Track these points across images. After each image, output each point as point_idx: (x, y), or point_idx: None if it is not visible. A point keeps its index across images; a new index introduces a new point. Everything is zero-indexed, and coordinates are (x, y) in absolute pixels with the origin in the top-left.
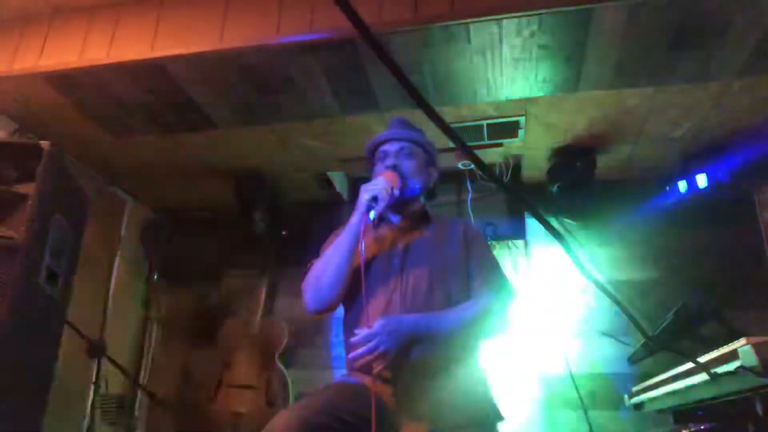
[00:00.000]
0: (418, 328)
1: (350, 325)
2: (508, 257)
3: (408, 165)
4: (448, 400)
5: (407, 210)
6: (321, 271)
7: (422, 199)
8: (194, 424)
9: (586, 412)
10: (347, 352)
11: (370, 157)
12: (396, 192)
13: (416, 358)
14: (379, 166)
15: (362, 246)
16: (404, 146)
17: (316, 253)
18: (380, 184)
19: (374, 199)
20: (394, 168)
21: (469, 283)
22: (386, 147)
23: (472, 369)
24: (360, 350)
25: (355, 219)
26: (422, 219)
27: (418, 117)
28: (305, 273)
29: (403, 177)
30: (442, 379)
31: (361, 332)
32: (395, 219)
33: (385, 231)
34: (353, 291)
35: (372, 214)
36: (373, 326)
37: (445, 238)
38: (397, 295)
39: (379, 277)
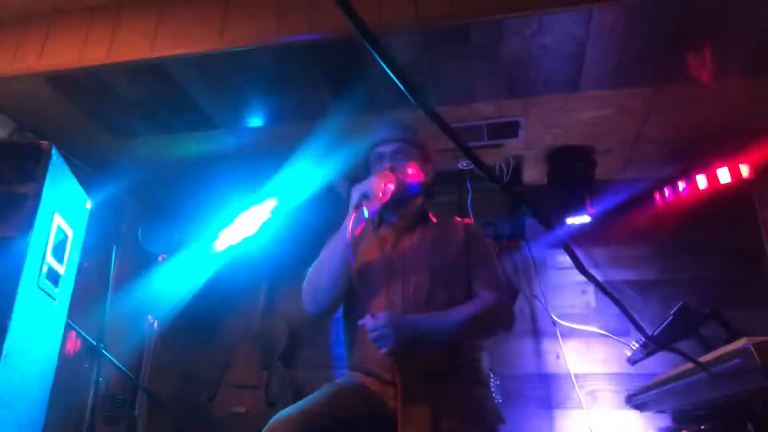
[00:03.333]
0: (420, 328)
1: (351, 326)
2: (508, 257)
3: (404, 166)
4: (449, 402)
5: (406, 210)
6: (317, 275)
7: (421, 198)
8: (194, 424)
9: (586, 412)
10: (348, 353)
11: (365, 159)
12: (389, 188)
13: (418, 358)
14: (376, 166)
15: (350, 242)
16: (399, 147)
17: (315, 254)
18: (371, 182)
19: (365, 196)
20: (392, 170)
21: (470, 281)
22: (381, 149)
23: (473, 370)
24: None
25: (347, 220)
26: (421, 219)
27: (418, 117)
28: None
29: (400, 178)
30: (442, 381)
31: (366, 321)
32: (394, 219)
33: (385, 232)
34: (353, 292)
35: (365, 213)
36: (378, 318)
37: (445, 238)
38: (397, 296)
39: (380, 277)
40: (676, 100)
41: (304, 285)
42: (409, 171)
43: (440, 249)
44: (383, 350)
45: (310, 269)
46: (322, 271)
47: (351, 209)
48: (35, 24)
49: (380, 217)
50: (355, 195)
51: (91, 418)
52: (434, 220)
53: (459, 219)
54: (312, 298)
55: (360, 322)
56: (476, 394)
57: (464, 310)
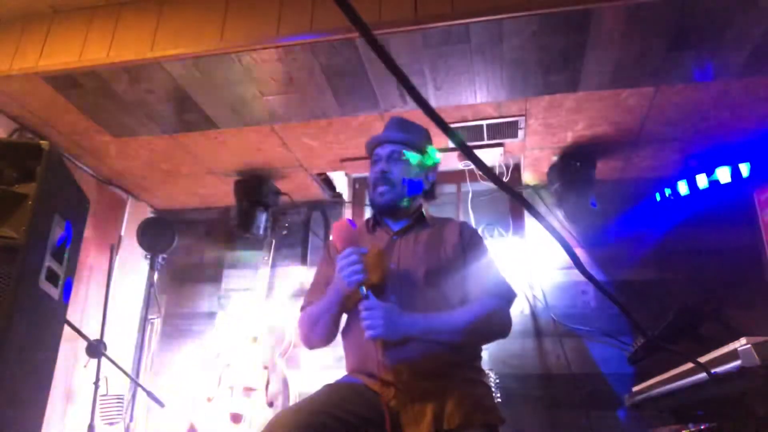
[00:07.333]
0: (415, 328)
1: (349, 327)
2: (507, 257)
3: (398, 170)
4: (449, 402)
5: (402, 213)
6: (312, 325)
7: (419, 200)
8: (194, 425)
9: (586, 411)
10: (347, 353)
11: (369, 158)
12: (364, 290)
13: (417, 359)
14: (372, 169)
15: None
16: (395, 150)
17: (315, 254)
18: (349, 275)
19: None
20: (382, 173)
21: (465, 285)
22: (378, 150)
23: (472, 371)
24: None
25: (334, 298)
26: (417, 221)
27: (418, 117)
28: (303, 308)
29: (391, 183)
30: (443, 381)
31: (365, 304)
32: (390, 222)
33: (380, 234)
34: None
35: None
36: (376, 305)
37: (441, 240)
38: (393, 298)
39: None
40: (676, 100)
41: (298, 322)
42: (402, 175)
43: (435, 251)
44: (368, 334)
45: (305, 309)
46: (316, 323)
47: (340, 289)
48: (35, 24)
49: (376, 219)
50: (343, 282)
51: (91, 418)
52: (431, 221)
53: (455, 220)
54: (306, 339)
55: (361, 307)
56: (476, 394)
57: (462, 314)
